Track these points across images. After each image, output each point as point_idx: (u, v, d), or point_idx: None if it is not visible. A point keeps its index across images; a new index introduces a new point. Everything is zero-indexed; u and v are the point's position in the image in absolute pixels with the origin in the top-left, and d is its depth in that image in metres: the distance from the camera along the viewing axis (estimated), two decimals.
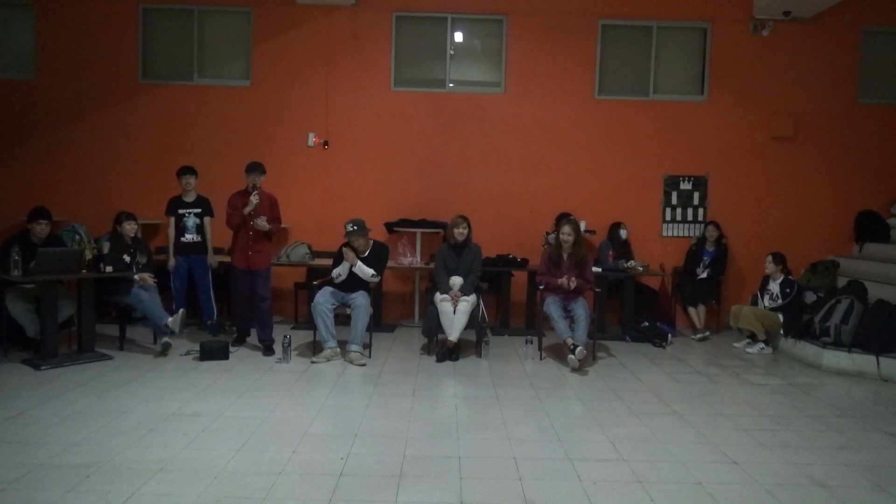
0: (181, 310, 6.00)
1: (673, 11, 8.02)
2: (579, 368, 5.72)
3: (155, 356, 5.89)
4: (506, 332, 7.25)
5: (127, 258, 6.02)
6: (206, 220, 6.86)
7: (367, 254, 6.05)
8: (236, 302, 6.29)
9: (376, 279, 6.11)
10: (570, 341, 5.79)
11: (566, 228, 6.17)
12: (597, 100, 8.09)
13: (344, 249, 5.97)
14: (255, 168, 6.07)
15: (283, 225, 7.60)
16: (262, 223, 5.95)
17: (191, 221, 6.73)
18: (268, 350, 6.08)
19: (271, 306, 6.40)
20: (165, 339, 5.93)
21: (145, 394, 4.75)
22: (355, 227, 5.93)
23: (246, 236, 6.10)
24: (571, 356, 5.69)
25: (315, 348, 6.10)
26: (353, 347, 5.84)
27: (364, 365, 5.75)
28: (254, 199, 5.96)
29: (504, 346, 6.70)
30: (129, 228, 6.06)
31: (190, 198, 6.78)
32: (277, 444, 3.86)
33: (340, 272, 5.96)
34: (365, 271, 5.96)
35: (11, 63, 8.02)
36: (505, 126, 8.06)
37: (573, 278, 6.01)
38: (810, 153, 8.09)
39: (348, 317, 6.00)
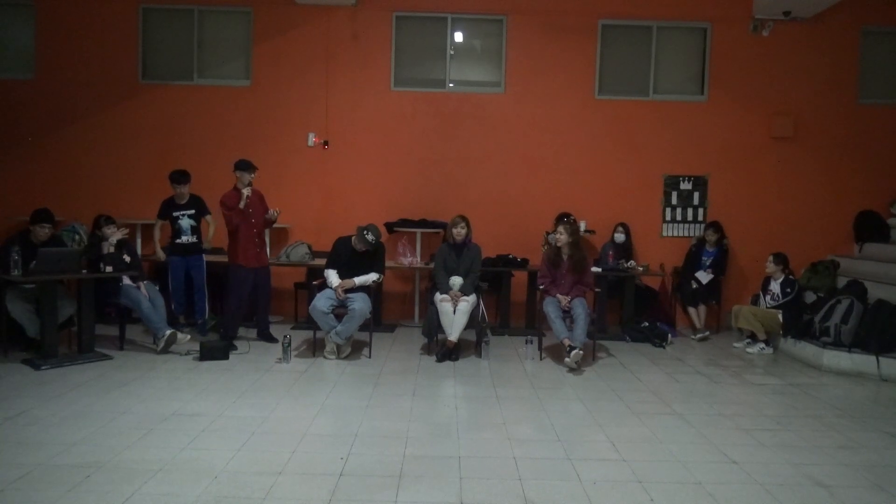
0: (170, 332, 5.95)
1: (673, 11, 8.02)
2: (578, 368, 5.72)
3: (157, 351, 5.93)
4: (506, 332, 7.25)
5: (127, 258, 6.02)
6: (209, 217, 6.92)
7: (363, 251, 6.06)
8: (239, 302, 6.25)
9: (379, 280, 6.13)
10: (567, 342, 5.79)
11: (560, 229, 6.18)
12: (597, 100, 8.09)
13: (339, 290, 5.91)
14: (248, 166, 6.19)
15: (283, 225, 7.66)
16: (272, 214, 6.26)
17: (185, 223, 6.75)
18: (270, 338, 6.41)
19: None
20: (168, 331, 5.95)
21: (145, 394, 4.75)
22: (373, 241, 5.93)
23: (251, 234, 6.18)
24: (567, 359, 5.69)
25: (316, 347, 6.11)
26: (336, 335, 5.86)
27: (344, 356, 5.89)
28: (245, 191, 6.07)
29: (504, 346, 6.70)
30: (109, 232, 6.03)
31: (183, 200, 6.80)
32: (277, 444, 3.85)
33: (331, 282, 5.98)
34: (366, 281, 6.00)
35: (11, 63, 8.02)
36: (505, 126, 8.06)
37: (569, 298, 6.02)
38: (810, 153, 8.09)
39: None
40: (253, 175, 6.22)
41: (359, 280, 5.98)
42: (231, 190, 6.23)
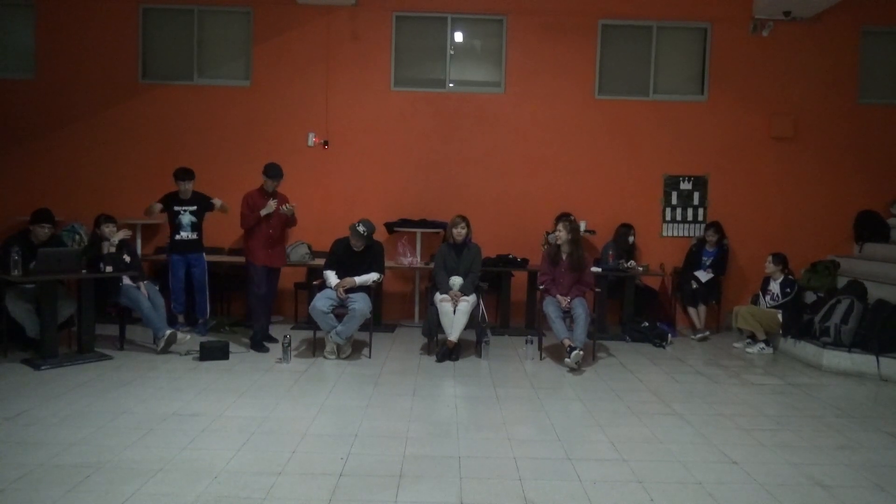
0: (171, 331, 5.96)
1: (673, 11, 8.02)
2: (578, 368, 5.71)
3: (157, 351, 5.94)
4: (506, 332, 7.25)
5: (127, 258, 6.02)
6: (216, 201, 6.90)
7: (361, 250, 6.06)
8: (257, 301, 6.25)
9: (380, 280, 6.12)
10: (567, 342, 5.79)
11: (559, 227, 6.21)
12: (597, 100, 8.09)
13: (339, 289, 5.93)
14: (278, 174, 6.24)
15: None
16: (288, 208, 6.20)
17: (186, 219, 6.74)
18: (269, 338, 6.38)
19: None
20: (168, 331, 5.95)
21: (145, 394, 4.75)
22: (365, 232, 5.95)
23: (265, 234, 6.17)
24: (567, 359, 5.69)
25: (316, 347, 6.11)
26: (337, 335, 5.86)
27: (345, 356, 5.91)
28: (272, 203, 6.11)
29: (504, 346, 6.70)
30: (109, 231, 6.04)
31: (186, 196, 6.79)
32: (277, 444, 3.86)
33: (330, 283, 5.99)
34: (366, 280, 6.00)
35: (11, 63, 8.02)
36: (505, 126, 8.06)
37: (569, 298, 6.03)
38: (810, 153, 8.09)
39: None
40: (278, 183, 6.28)
41: (359, 279, 5.98)
42: (256, 190, 6.26)
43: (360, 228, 5.94)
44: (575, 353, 5.65)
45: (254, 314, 6.32)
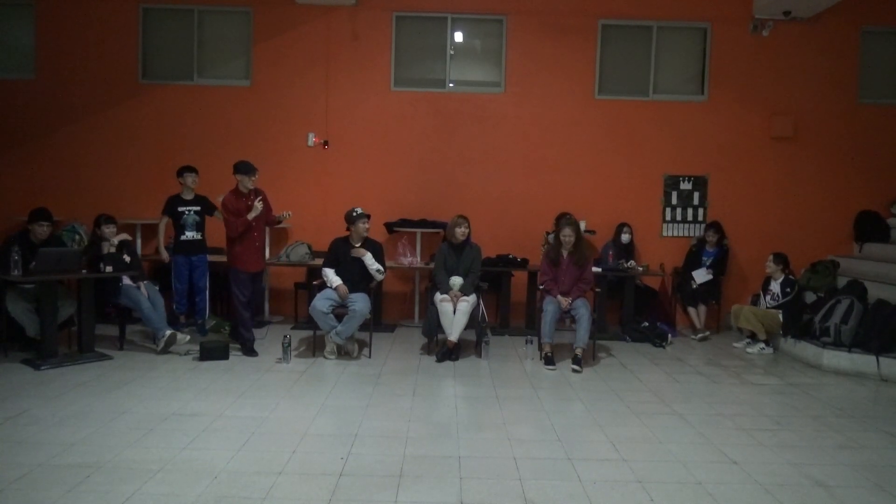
0: (171, 332, 5.93)
1: (673, 11, 8.02)
2: (581, 370, 5.69)
3: (157, 351, 5.94)
4: (506, 332, 7.25)
5: (127, 258, 6.01)
6: (217, 213, 6.86)
7: (360, 246, 6.06)
8: (245, 307, 6.01)
9: (381, 276, 6.10)
10: (547, 348, 5.85)
11: (567, 231, 6.14)
12: (597, 100, 8.09)
13: (354, 248, 6.01)
14: (251, 169, 5.96)
15: (283, 224, 7.64)
16: (283, 216, 6.08)
17: (191, 219, 6.71)
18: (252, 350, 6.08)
19: None
20: (168, 331, 5.94)
21: (145, 394, 4.75)
22: (361, 210, 6.02)
23: (252, 237, 5.98)
24: (545, 365, 5.80)
25: (316, 347, 6.11)
26: (336, 335, 5.86)
27: (354, 356, 5.91)
28: (258, 204, 5.87)
29: (504, 346, 6.70)
30: (109, 232, 6.04)
31: (189, 195, 6.77)
32: (277, 444, 3.86)
33: (331, 281, 5.97)
34: (373, 263, 5.98)
35: (11, 63, 8.02)
36: (505, 126, 8.06)
37: (570, 299, 6.01)
38: (810, 153, 8.09)
39: None
40: (255, 178, 6.00)
41: (368, 256, 5.98)
42: (231, 193, 5.97)
43: (360, 209, 6.01)
44: (551, 366, 5.77)
45: (242, 321, 6.03)
